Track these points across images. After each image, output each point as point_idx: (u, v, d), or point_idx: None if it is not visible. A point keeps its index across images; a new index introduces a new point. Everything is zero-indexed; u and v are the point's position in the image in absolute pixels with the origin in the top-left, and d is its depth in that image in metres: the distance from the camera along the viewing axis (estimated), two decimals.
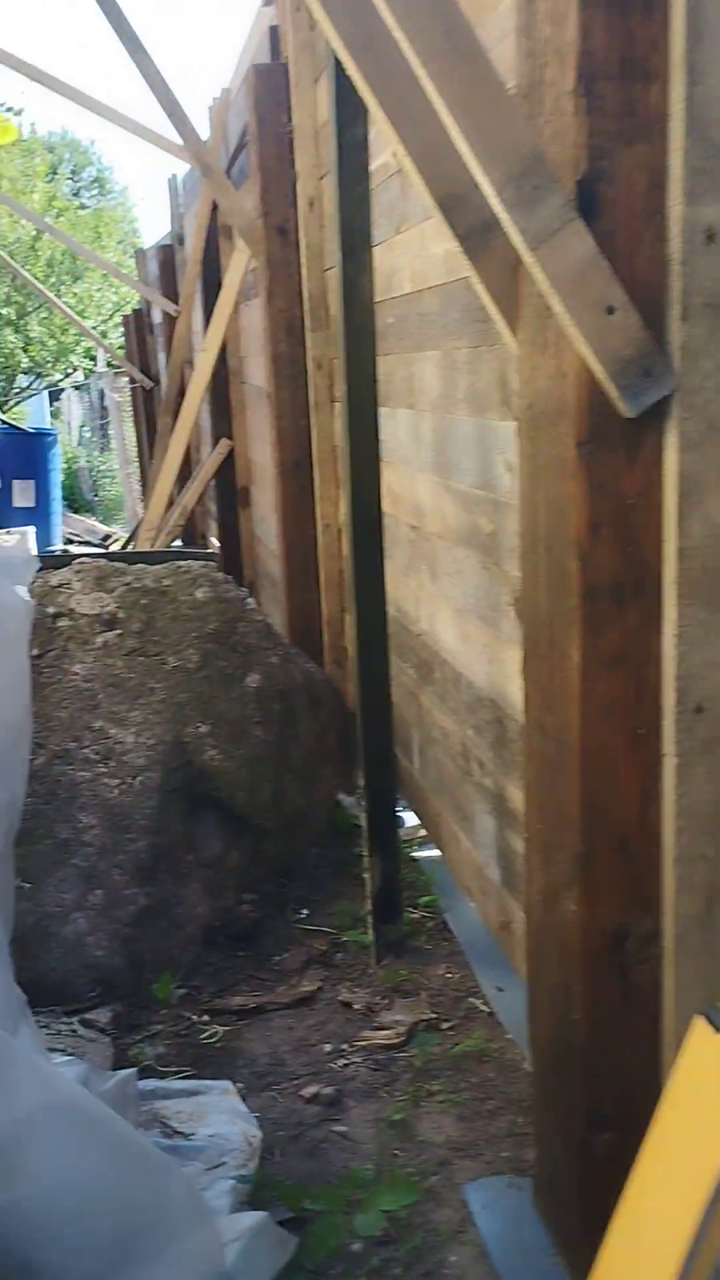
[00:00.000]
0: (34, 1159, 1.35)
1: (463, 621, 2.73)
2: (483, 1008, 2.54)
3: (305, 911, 3.15)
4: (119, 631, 3.28)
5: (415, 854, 3.33)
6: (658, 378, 1.47)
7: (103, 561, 3.46)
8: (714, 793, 1.60)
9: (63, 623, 3.28)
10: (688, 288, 1.47)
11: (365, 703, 2.74)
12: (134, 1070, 2.12)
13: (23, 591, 2.40)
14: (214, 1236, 1.64)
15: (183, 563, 3.51)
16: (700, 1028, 1.23)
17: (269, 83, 3.76)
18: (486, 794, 2.65)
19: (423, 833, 3.35)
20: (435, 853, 3.24)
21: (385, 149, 2.86)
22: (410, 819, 3.37)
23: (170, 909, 2.94)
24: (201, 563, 3.52)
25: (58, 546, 10.51)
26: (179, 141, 4.49)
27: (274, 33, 3.87)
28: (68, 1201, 1.36)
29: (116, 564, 3.46)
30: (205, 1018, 2.67)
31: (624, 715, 1.60)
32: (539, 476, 1.66)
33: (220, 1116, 2.25)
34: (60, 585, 3.35)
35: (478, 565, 2.58)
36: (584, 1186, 1.70)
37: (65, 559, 3.48)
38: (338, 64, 2.44)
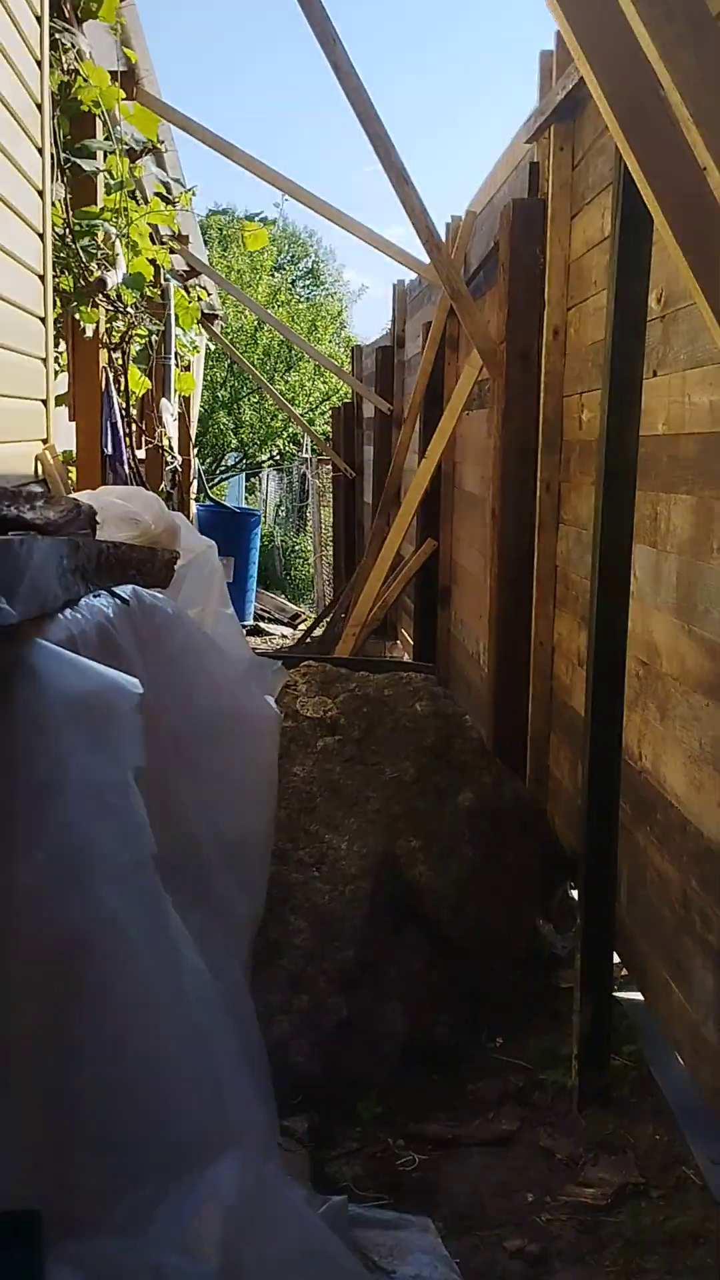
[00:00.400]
0: None
1: (696, 769, 2.68)
2: (695, 1179, 2.43)
3: (500, 1040, 3.10)
4: (339, 738, 3.36)
5: (616, 993, 3.23)
6: None
7: (328, 666, 3.57)
8: None
9: (287, 724, 3.39)
10: None
11: (591, 845, 2.71)
12: (344, 1198, 2.12)
13: (272, 702, 2.50)
14: None
15: (404, 674, 3.59)
16: None
17: (526, 217, 3.90)
18: (710, 951, 2.56)
19: (624, 972, 3.26)
20: (638, 996, 3.14)
21: (650, 294, 2.92)
22: None
23: (370, 1023, 2.95)
24: (422, 675, 3.59)
25: (249, 622, 10.89)
26: (420, 258, 4.70)
27: (533, 169, 4.02)
28: None
29: (341, 669, 3.56)
30: (401, 1142, 2.65)
31: None
32: None
33: (422, 1257, 2.22)
34: (287, 687, 3.47)
35: None
36: None
37: (295, 659, 3.61)
38: (624, 221, 2.52)
